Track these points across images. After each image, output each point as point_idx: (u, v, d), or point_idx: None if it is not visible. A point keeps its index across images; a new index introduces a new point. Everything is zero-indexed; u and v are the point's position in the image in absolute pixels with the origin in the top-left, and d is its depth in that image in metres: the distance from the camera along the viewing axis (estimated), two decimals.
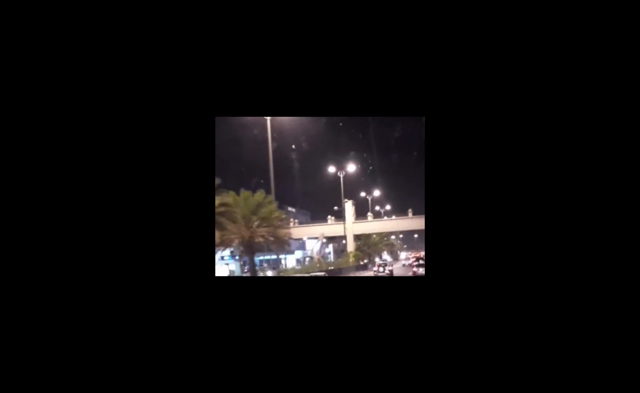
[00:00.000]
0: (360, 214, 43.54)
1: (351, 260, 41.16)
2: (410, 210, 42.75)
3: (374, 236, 47.28)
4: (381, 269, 27.87)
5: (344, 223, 39.65)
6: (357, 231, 42.22)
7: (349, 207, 42.26)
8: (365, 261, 43.62)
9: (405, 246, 63.67)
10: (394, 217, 44.13)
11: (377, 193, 50.00)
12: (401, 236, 59.63)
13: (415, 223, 42.29)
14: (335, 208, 40.29)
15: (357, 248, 43.77)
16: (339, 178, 39.16)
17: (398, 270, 31.39)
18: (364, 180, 48.13)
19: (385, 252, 55.20)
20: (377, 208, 49.81)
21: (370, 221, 43.05)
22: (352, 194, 45.42)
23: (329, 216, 43.01)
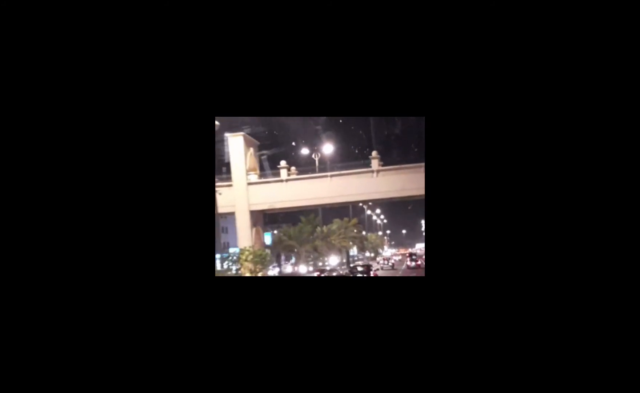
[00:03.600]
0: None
1: (245, 264, 18.55)
2: (375, 155, 20.07)
3: (317, 223, 24.25)
4: (385, 262, 30.99)
5: (219, 187, 16.81)
6: (256, 203, 19.47)
7: (236, 148, 19.44)
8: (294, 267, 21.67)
9: (393, 243, 55.78)
10: (343, 171, 21.17)
11: (329, 148, 27.26)
12: (388, 232, 53.20)
13: (386, 183, 19.67)
14: None
15: (277, 242, 21.32)
16: None
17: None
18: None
19: (355, 248, 35.08)
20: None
21: (290, 178, 20.19)
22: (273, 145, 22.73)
23: None
